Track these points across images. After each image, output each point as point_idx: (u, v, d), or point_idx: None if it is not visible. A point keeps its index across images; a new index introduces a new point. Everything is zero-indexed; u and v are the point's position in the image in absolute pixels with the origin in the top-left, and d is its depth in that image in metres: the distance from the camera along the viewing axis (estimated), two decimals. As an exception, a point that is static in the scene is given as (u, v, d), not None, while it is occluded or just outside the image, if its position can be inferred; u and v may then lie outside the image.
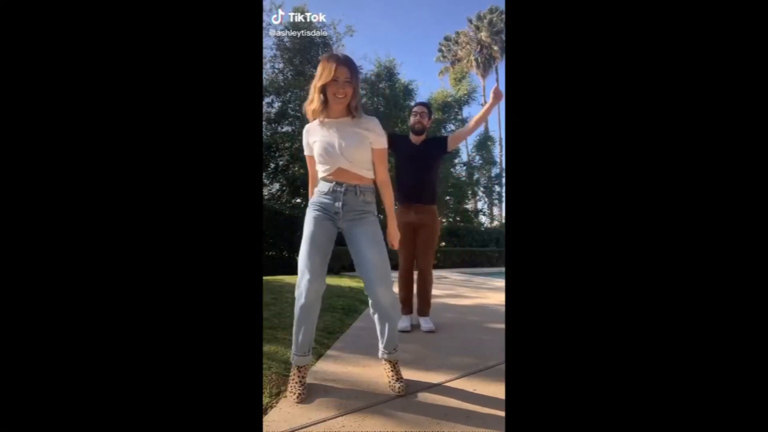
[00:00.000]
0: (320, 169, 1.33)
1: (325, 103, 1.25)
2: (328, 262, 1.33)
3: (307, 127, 1.35)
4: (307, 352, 1.31)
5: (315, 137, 1.31)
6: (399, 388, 1.26)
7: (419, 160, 2.19)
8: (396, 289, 1.31)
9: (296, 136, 9.21)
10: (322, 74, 1.21)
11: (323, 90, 1.23)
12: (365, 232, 1.29)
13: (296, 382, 1.25)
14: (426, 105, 2.32)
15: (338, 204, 1.29)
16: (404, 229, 2.17)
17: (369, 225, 1.30)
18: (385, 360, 1.37)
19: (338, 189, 1.29)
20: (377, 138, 1.31)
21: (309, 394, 1.23)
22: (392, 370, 1.34)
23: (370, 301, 1.37)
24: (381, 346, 1.38)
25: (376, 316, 1.38)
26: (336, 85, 1.21)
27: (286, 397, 1.21)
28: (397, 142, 2.24)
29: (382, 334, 1.37)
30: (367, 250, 1.28)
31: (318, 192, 1.34)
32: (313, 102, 1.25)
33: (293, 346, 1.31)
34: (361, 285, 3.97)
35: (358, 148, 1.28)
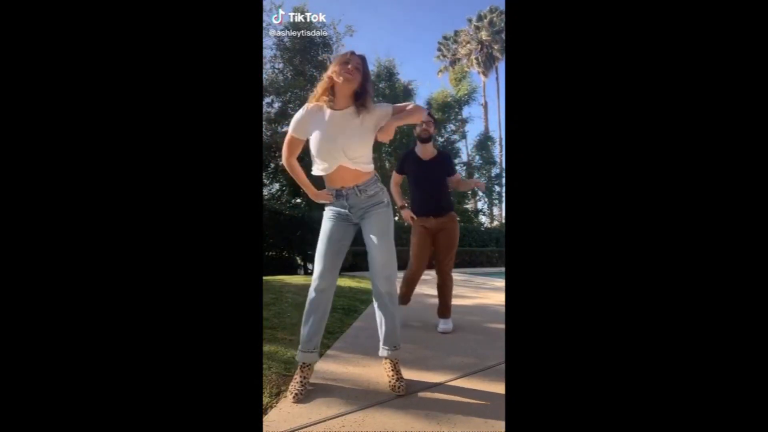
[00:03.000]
0: (319, 167, 1.33)
1: (332, 91, 1.27)
2: (341, 261, 1.36)
3: (309, 106, 1.31)
4: (310, 350, 1.30)
5: (316, 126, 1.28)
6: (399, 387, 1.26)
7: (432, 178, 2.25)
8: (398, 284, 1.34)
9: (296, 136, 9.18)
10: (334, 63, 1.28)
11: (332, 78, 1.26)
12: (372, 224, 1.34)
13: (297, 381, 1.25)
14: (428, 113, 2.33)
15: (345, 209, 1.35)
16: (421, 233, 2.22)
17: (376, 217, 1.34)
18: (385, 358, 1.37)
19: (341, 196, 1.34)
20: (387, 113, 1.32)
21: (309, 394, 1.23)
22: (392, 370, 1.33)
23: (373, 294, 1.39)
24: (381, 343, 1.38)
25: (376, 309, 1.38)
26: (345, 67, 1.25)
27: (286, 396, 1.21)
28: (407, 162, 2.30)
29: (381, 327, 1.37)
30: (371, 243, 1.33)
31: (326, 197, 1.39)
32: (321, 85, 1.28)
33: (300, 343, 1.32)
34: (361, 285, 3.98)
35: (360, 144, 1.28)
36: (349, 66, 1.25)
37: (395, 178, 2.33)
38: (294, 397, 1.19)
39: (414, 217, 2.22)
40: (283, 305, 2.58)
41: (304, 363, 1.29)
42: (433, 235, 2.22)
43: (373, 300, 1.39)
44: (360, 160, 1.30)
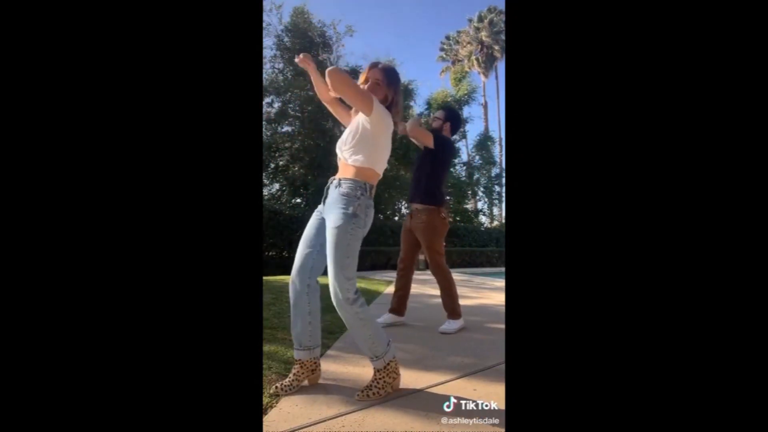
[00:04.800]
0: None
1: None
2: (314, 259, 1.32)
3: None
4: (298, 346, 1.31)
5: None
6: (357, 394, 1.21)
7: (414, 171, 2.33)
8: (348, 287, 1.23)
9: (296, 136, 9.21)
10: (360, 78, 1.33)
11: None
12: (328, 222, 1.24)
13: (289, 375, 1.27)
14: (444, 109, 2.43)
15: (322, 203, 1.31)
16: (402, 229, 2.33)
17: (328, 219, 1.23)
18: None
19: (328, 184, 1.31)
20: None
21: (309, 394, 1.23)
22: (372, 378, 1.26)
23: None
24: None
25: None
26: (367, 85, 1.30)
27: (285, 396, 1.21)
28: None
29: None
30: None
31: None
32: None
33: None
34: (360, 285, 3.96)
35: (354, 137, 1.26)
36: (367, 85, 1.29)
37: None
38: (274, 388, 1.22)
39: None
40: (283, 305, 2.58)
41: (296, 359, 1.30)
42: (412, 231, 2.26)
43: None
44: (348, 152, 1.26)
